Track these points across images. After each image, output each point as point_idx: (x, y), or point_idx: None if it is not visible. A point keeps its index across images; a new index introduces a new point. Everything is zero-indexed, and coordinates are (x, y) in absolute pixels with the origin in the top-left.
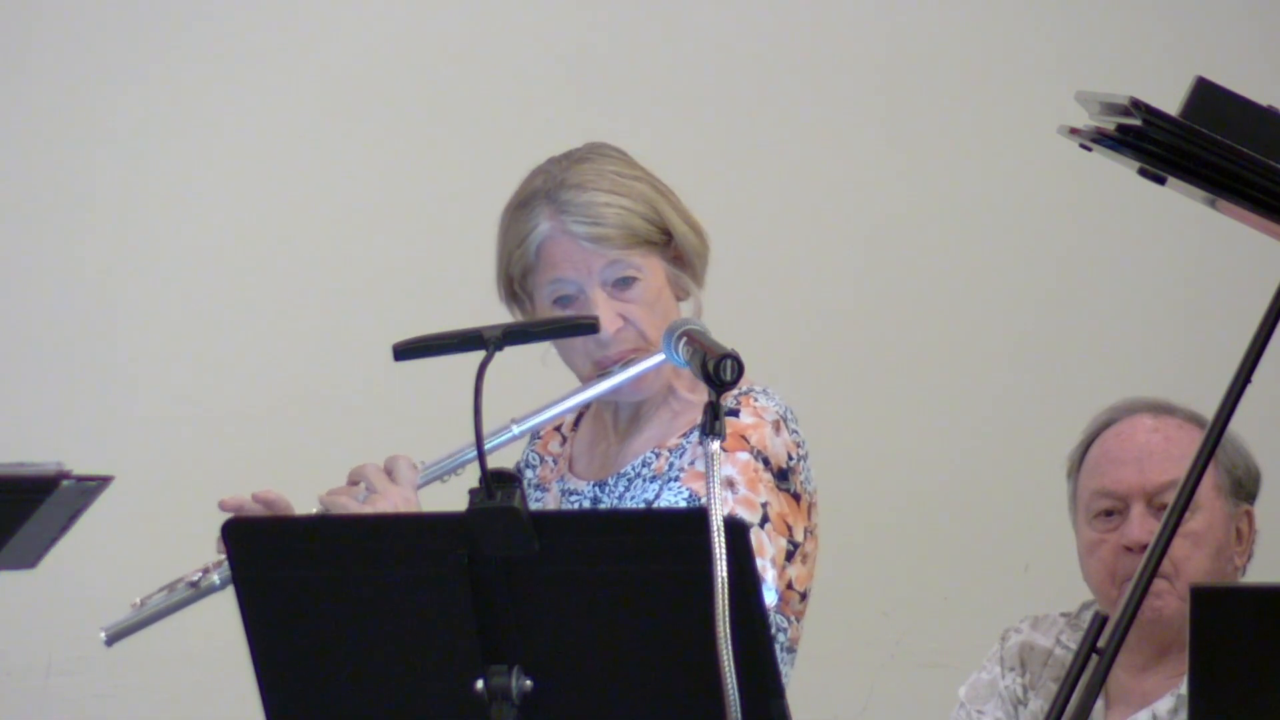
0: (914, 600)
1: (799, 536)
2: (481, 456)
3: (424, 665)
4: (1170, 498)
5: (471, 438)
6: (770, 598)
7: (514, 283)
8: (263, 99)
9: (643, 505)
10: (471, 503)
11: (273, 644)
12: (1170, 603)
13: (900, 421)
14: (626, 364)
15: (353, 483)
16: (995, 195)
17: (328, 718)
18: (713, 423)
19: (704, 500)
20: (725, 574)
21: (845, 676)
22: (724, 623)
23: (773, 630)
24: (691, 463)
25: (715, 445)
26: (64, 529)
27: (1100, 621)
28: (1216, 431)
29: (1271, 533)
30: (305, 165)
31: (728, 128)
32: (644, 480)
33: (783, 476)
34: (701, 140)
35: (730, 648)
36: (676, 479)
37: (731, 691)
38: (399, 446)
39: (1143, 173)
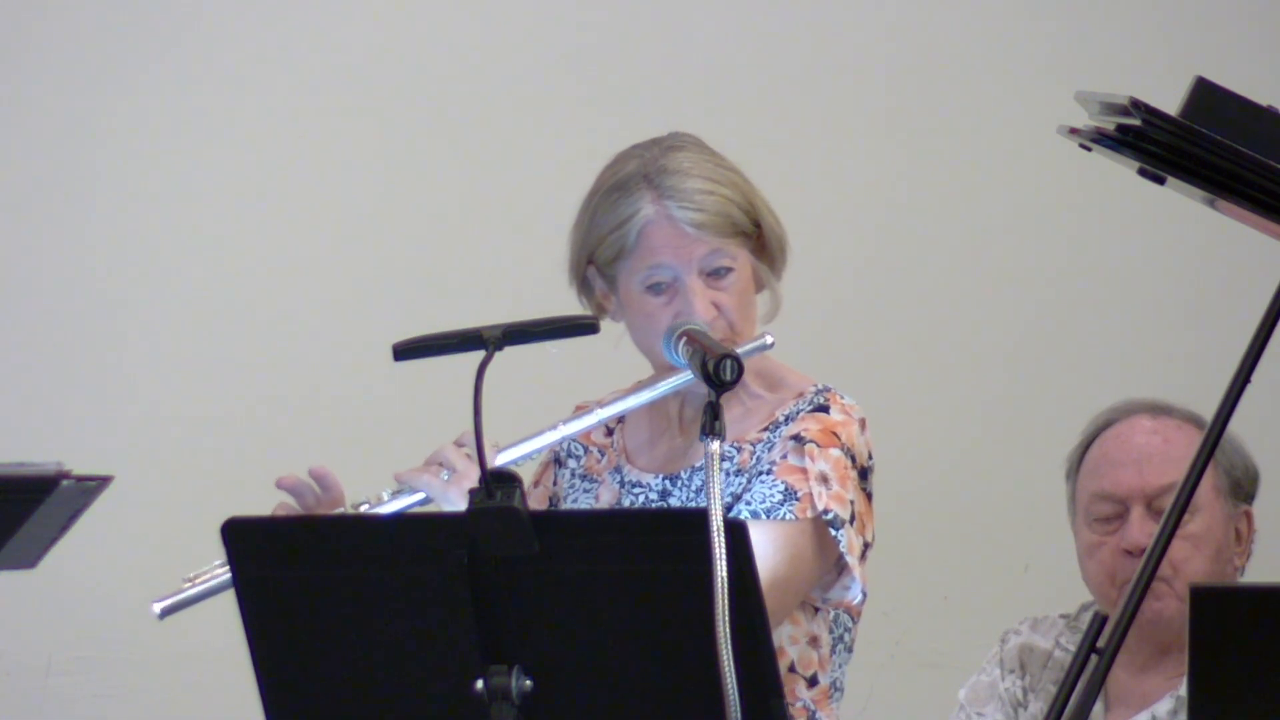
0: (914, 600)
1: (869, 537)
2: (481, 456)
3: (424, 665)
4: (1169, 500)
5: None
6: (858, 594)
7: (595, 266)
8: (263, 100)
9: (729, 498)
10: (471, 503)
11: (273, 644)
12: (1170, 605)
13: (899, 421)
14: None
15: (431, 464)
16: (995, 195)
17: (328, 718)
18: (712, 423)
19: (800, 492)
20: (725, 574)
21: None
22: (724, 623)
23: (840, 631)
24: (784, 456)
25: (715, 445)
26: (64, 529)
27: (1100, 621)
28: (1216, 433)
29: (1271, 533)
30: (305, 166)
31: (725, 127)
32: (726, 474)
33: (863, 476)
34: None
35: (730, 648)
36: (769, 472)
37: (731, 691)
38: (399, 446)
39: (1142, 173)
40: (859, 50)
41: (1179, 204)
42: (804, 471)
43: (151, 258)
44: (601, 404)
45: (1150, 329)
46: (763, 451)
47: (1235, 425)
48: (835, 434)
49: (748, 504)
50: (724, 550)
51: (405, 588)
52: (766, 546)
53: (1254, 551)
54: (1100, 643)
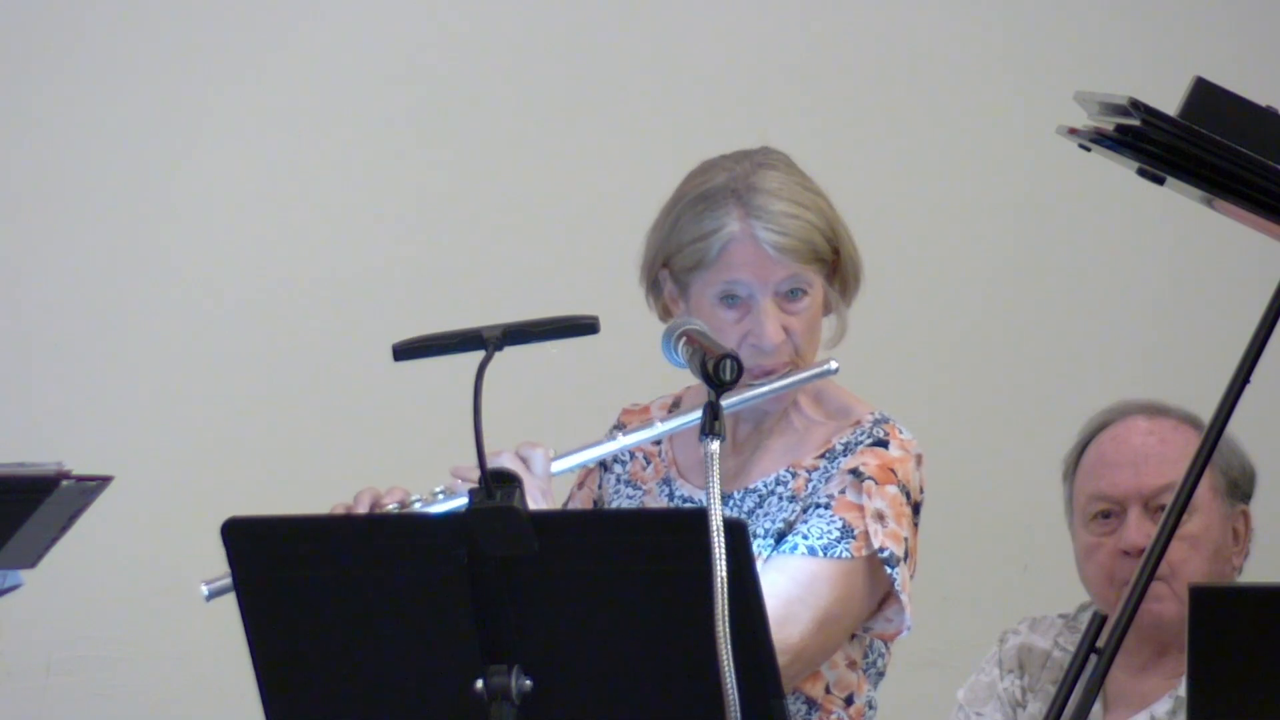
0: (913, 600)
1: (912, 570)
2: (481, 456)
3: (424, 665)
4: (1167, 501)
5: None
6: (902, 627)
7: (670, 270)
8: (264, 99)
9: (782, 524)
10: (471, 503)
11: (273, 644)
12: (1169, 607)
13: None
14: (784, 375)
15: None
16: (995, 195)
17: (328, 718)
18: (712, 423)
19: (857, 530)
20: (725, 574)
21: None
22: (724, 623)
23: (874, 656)
24: (843, 491)
25: (714, 445)
26: (64, 529)
27: (1099, 621)
28: (1215, 433)
29: (1270, 533)
30: (306, 165)
31: (723, 128)
32: (780, 499)
33: (915, 511)
34: (697, 141)
35: (730, 648)
36: (826, 505)
37: (731, 691)
38: (399, 446)
39: (1142, 173)
40: (856, 50)
41: (1178, 204)
42: (861, 509)
43: (152, 258)
44: (663, 418)
45: (1149, 329)
46: (819, 481)
47: (1233, 425)
48: (893, 470)
49: (805, 538)
50: (724, 550)
51: (405, 588)
52: (822, 585)
53: (1253, 551)
54: (1099, 642)
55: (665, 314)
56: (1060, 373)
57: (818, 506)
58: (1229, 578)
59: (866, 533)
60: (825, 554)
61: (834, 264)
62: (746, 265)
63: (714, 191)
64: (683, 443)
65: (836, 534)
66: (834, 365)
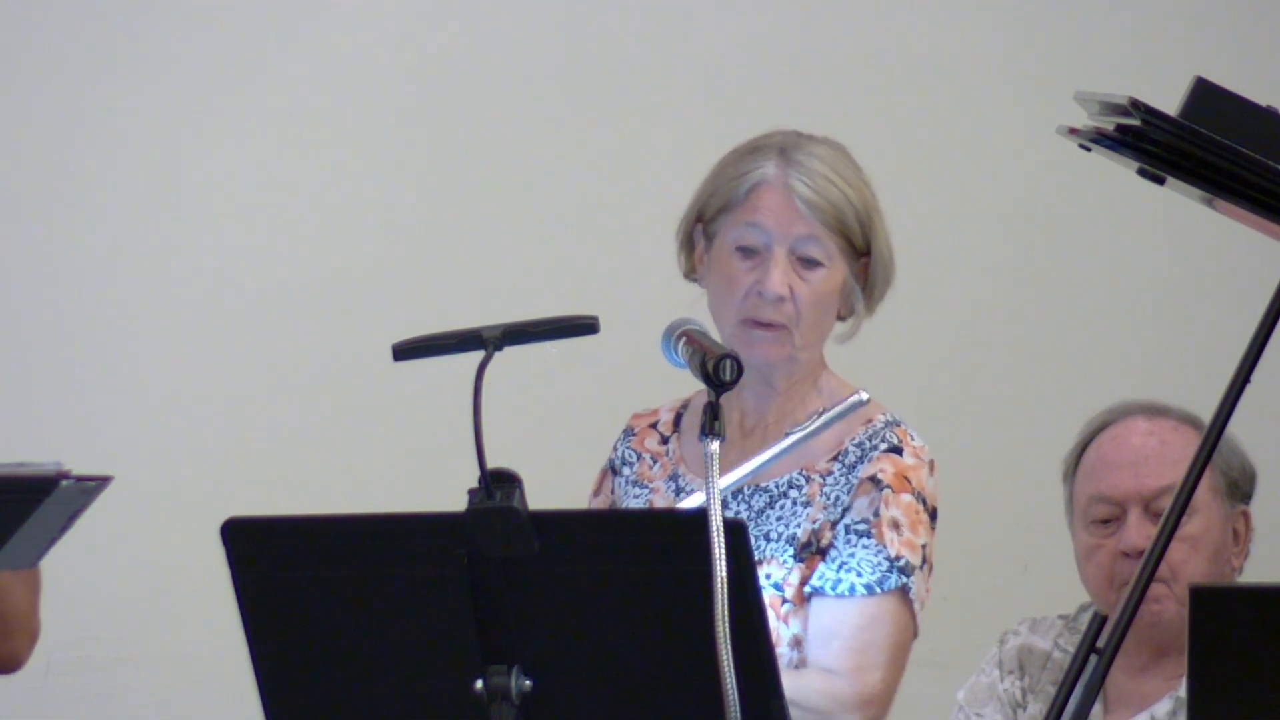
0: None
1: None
2: (481, 456)
3: (424, 665)
4: (1167, 502)
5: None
6: (914, 634)
7: (703, 220)
8: (264, 99)
9: (801, 533)
10: (471, 503)
11: (273, 644)
12: (1169, 607)
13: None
14: (816, 416)
15: None
16: (994, 195)
17: (327, 718)
18: (712, 423)
19: (892, 553)
20: (725, 574)
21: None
22: (724, 623)
23: None
24: (876, 513)
25: (715, 445)
26: (64, 529)
27: (1099, 621)
28: (1215, 434)
29: (1270, 533)
30: (305, 165)
31: (722, 128)
32: (794, 504)
33: (933, 517)
34: (695, 141)
35: (730, 648)
36: (867, 534)
37: (731, 691)
38: (399, 446)
39: (1142, 173)
40: (856, 50)
41: (1178, 204)
42: (881, 521)
43: (151, 258)
44: (672, 401)
45: (1149, 329)
46: (841, 492)
47: (1233, 425)
48: (908, 479)
49: (859, 575)
50: (724, 550)
51: (405, 588)
52: (885, 622)
53: (1252, 551)
54: (1099, 643)
55: (691, 273)
56: (1060, 373)
57: (859, 535)
58: (1229, 578)
59: (884, 539)
60: (882, 589)
61: (864, 263)
62: (770, 209)
63: (762, 144)
64: (690, 437)
65: (886, 565)
66: (865, 396)
